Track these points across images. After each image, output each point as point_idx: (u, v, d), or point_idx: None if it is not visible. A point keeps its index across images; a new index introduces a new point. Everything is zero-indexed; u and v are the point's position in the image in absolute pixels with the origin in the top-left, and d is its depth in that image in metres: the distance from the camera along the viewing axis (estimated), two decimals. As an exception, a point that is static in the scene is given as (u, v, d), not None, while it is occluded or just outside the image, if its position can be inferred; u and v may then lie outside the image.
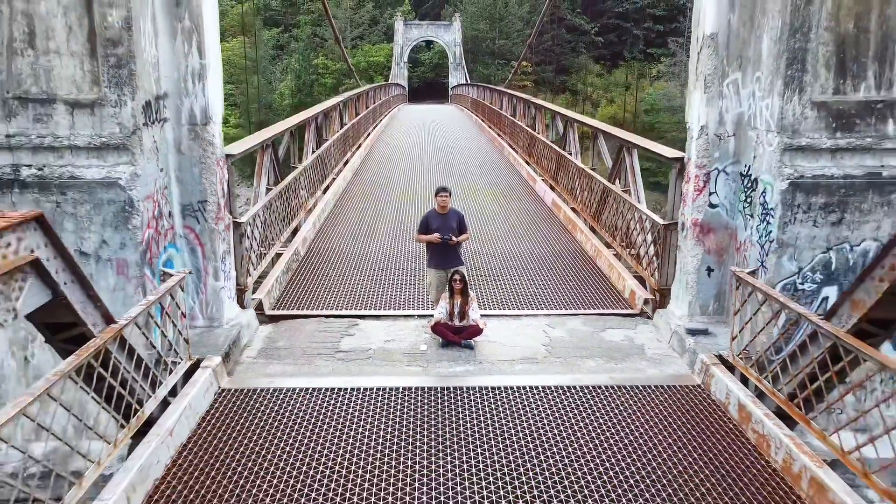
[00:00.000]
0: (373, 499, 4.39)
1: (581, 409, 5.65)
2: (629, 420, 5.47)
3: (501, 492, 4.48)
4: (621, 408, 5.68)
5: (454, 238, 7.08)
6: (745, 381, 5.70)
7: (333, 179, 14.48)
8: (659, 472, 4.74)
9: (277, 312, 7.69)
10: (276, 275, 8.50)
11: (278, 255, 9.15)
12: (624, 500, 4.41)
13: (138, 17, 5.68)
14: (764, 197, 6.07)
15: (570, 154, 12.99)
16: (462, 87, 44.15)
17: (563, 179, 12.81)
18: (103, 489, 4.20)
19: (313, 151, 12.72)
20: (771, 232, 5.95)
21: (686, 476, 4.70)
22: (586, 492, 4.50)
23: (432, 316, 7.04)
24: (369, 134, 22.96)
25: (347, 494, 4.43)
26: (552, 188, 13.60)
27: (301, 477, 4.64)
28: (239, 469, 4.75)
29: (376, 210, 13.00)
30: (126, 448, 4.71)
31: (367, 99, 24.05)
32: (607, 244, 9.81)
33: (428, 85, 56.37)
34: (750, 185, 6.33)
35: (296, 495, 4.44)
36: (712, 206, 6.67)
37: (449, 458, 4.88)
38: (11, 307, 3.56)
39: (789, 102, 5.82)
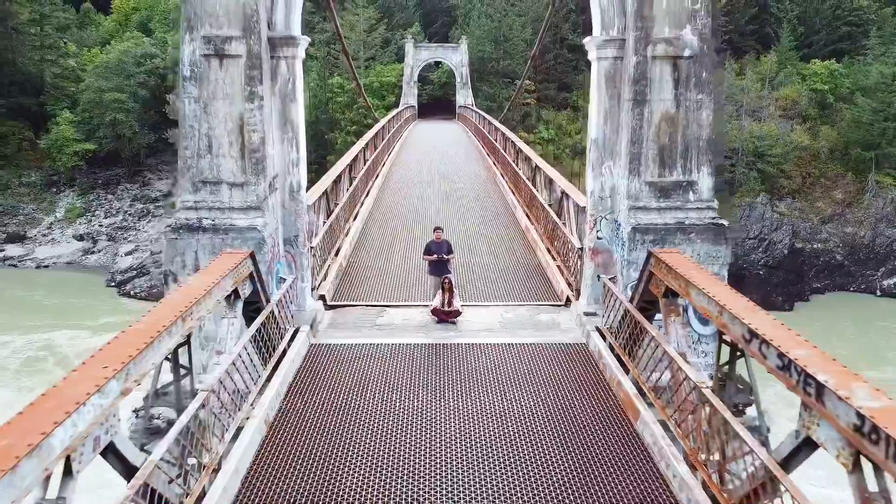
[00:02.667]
0: (397, 398, 8.99)
1: (518, 356, 10.33)
2: (544, 360, 10.16)
3: (471, 392, 9.12)
4: (541, 355, 10.36)
5: (445, 257, 11.84)
6: (605, 339, 10.39)
7: (361, 205, 19.31)
8: (556, 380, 9.41)
9: (335, 303, 12.48)
10: (330, 279, 13.29)
11: (329, 267, 13.93)
12: (538, 388, 9.06)
13: (266, 136, 10.47)
14: (622, 234, 10.76)
15: (537, 190, 17.73)
16: (468, 109, 48.98)
17: (533, 210, 17.57)
18: (266, 387, 8.88)
19: (347, 190, 17.55)
20: (624, 254, 10.64)
21: (568, 381, 9.38)
22: (517, 384, 9.17)
23: (431, 304, 11.79)
24: (384, 163, 27.84)
25: (382, 395, 9.06)
26: (526, 215, 18.36)
27: (356, 385, 9.34)
28: (326, 377, 9.49)
29: (394, 232, 17.79)
30: (268, 372, 9.42)
31: (383, 132, 28.92)
32: (554, 258, 14.53)
33: (437, 101, 61.38)
34: (617, 226, 11.02)
35: (355, 388, 9.16)
36: (599, 238, 11.36)
37: (443, 382, 9.57)
38: (243, 294, 8.35)
39: (633, 181, 10.53)
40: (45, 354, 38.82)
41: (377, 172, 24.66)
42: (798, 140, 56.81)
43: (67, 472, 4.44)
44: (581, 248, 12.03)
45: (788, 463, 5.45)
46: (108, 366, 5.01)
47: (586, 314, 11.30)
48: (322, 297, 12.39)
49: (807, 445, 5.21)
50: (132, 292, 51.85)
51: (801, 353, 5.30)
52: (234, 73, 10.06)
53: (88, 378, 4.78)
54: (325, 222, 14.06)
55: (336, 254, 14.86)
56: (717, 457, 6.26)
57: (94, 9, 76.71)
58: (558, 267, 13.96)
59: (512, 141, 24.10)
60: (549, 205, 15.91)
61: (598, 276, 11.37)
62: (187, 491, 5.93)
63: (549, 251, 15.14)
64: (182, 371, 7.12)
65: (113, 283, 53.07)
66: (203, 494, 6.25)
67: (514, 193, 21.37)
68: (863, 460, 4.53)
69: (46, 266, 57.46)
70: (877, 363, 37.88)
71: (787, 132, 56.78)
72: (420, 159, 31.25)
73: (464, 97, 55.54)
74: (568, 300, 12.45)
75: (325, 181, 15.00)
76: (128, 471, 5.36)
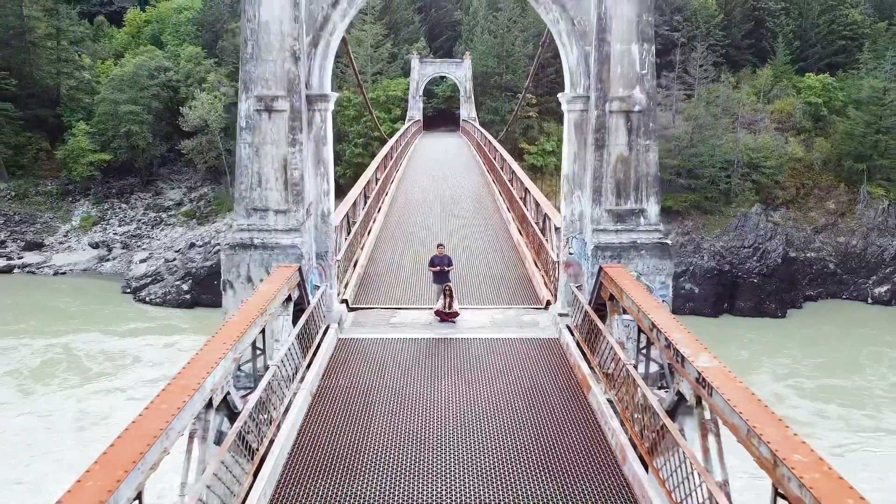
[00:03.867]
0: (407, 379, 11.93)
1: (504, 348, 13.26)
2: (525, 352, 13.09)
3: (465, 376, 12.03)
4: (523, 348, 13.28)
5: (446, 269, 14.81)
6: (573, 334, 13.32)
7: (373, 222, 22.30)
8: (533, 366, 12.35)
9: (355, 306, 15.45)
10: (351, 286, 16.28)
11: (350, 276, 16.91)
12: (519, 373, 11.99)
13: (304, 172, 13.46)
14: (588, 251, 13.71)
15: (527, 208, 20.70)
16: (470, 123, 52.17)
17: (523, 226, 20.54)
18: (308, 369, 11.83)
19: (362, 208, 20.55)
20: (589, 267, 13.58)
21: (542, 367, 12.32)
22: (503, 370, 12.11)
23: (435, 307, 14.74)
24: (393, 180, 30.89)
25: (395, 377, 12.03)
26: (518, 231, 21.31)
27: (375, 369, 12.29)
28: (352, 364, 12.45)
29: (402, 246, 20.77)
30: (309, 358, 12.37)
31: (391, 151, 31.98)
32: (539, 269, 17.48)
33: (441, 113, 64.63)
34: (584, 244, 13.96)
35: (376, 369, 12.12)
36: (570, 253, 14.29)
37: (444, 366, 12.51)
38: (294, 298, 11.35)
39: (596, 209, 13.48)
40: (75, 357, 41.87)
41: (386, 191, 27.70)
42: (792, 152, 59.61)
43: (209, 405, 7.41)
44: (557, 262, 14.98)
45: (673, 413, 8.37)
46: (226, 343, 7.98)
47: (560, 315, 14.24)
48: (345, 301, 15.36)
49: (679, 398, 8.14)
50: (147, 298, 54.92)
51: (678, 337, 8.24)
52: (279, 124, 13.08)
53: (216, 350, 7.75)
54: (346, 239, 17.05)
55: (354, 265, 17.84)
56: (637, 415, 9.17)
57: (108, 22, 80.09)
58: (542, 276, 16.91)
59: (507, 163, 27.12)
60: (536, 222, 18.86)
61: (569, 285, 14.30)
62: (262, 436, 8.86)
63: (535, 263, 18.09)
64: (257, 352, 10.08)
65: (128, 290, 56.12)
66: (272, 441, 9.18)
67: (509, 210, 24.33)
68: (702, 401, 7.46)
69: (63, 273, 60.57)
70: (851, 370, 40.50)
71: (781, 144, 59.60)
72: (425, 179, 34.23)
73: (467, 110, 58.71)
74: (547, 304, 15.39)
75: (346, 205, 18.00)
76: (231, 414, 8.31)
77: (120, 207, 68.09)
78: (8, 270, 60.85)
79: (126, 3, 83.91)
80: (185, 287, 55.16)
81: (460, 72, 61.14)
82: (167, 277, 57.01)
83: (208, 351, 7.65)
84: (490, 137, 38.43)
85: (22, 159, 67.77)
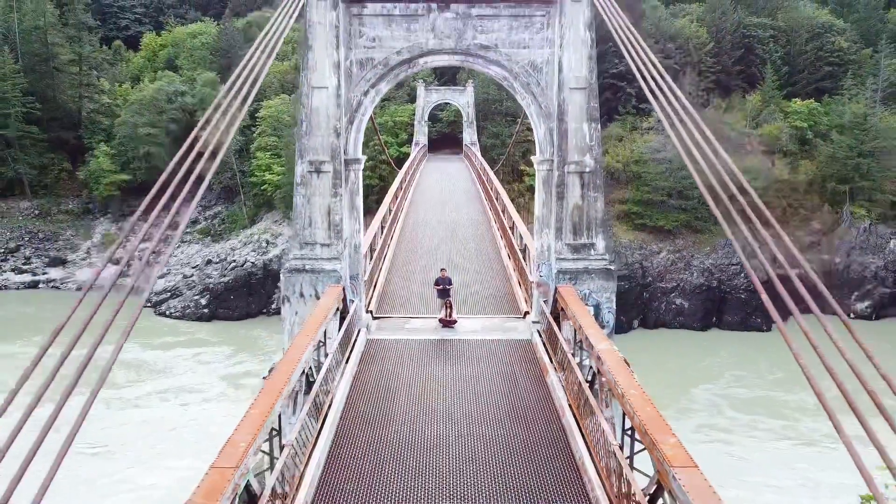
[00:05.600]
0: (418, 369, 17.27)
1: (491, 346, 18.62)
2: (506, 349, 18.44)
3: (461, 365, 17.39)
4: (504, 346, 18.63)
5: (447, 287, 20.21)
6: (541, 337, 18.67)
7: (388, 248, 27.72)
8: (511, 360, 17.70)
9: (378, 315, 20.84)
10: (374, 299, 21.68)
11: (373, 292, 22.30)
12: (501, 364, 17.35)
13: (342, 215, 18.89)
14: (553, 274, 19.07)
15: (514, 236, 26.07)
16: (472, 150, 57.97)
17: (511, 251, 25.92)
18: (349, 361, 17.18)
19: (380, 237, 25.98)
20: (553, 287, 18.93)
21: (518, 360, 17.67)
22: (489, 362, 17.47)
23: (439, 316, 20.11)
24: (403, 208, 36.39)
25: (410, 366, 17.39)
26: (508, 255, 26.68)
27: (395, 361, 17.67)
28: (378, 357, 17.83)
29: (414, 268, 26.15)
30: (348, 353, 17.70)
31: (403, 181, 37.53)
32: (521, 287, 22.85)
33: (445, 136, 70.48)
34: (550, 269, 19.33)
35: (396, 360, 17.49)
36: (541, 276, 19.63)
37: (446, 359, 17.87)
38: (340, 309, 16.76)
39: (558, 242, 18.88)
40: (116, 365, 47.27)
41: (398, 218, 33.21)
42: (779, 174, 64.93)
43: (303, 373, 12.76)
44: (532, 282, 20.35)
45: (592, 383, 13.67)
46: (309, 335, 13.37)
47: (533, 322, 19.59)
48: (370, 311, 20.74)
49: (593, 374, 13.46)
50: (167, 312, 60.42)
51: (592, 332, 13.58)
52: (325, 181, 18.53)
53: (307, 337, 13.14)
54: (369, 263, 22.46)
55: (375, 284, 23.22)
56: (576, 388, 14.46)
57: (125, 46, 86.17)
58: (522, 293, 22.27)
59: (501, 196, 32.59)
60: (521, 249, 24.24)
61: (541, 300, 19.65)
62: (321, 401, 14.14)
63: (518, 283, 23.45)
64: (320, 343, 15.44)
65: (149, 304, 61.52)
66: (329, 406, 14.46)
67: (501, 238, 29.74)
68: (598, 372, 12.76)
69: (86, 288, 65.98)
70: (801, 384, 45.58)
71: (768, 166, 64.97)
72: (431, 207, 39.62)
73: (470, 135, 64.42)
74: (525, 314, 20.75)
75: (369, 237, 23.41)
76: (308, 385, 13.65)
77: (137, 225, 73.47)
78: (34, 285, 66.49)
79: (142, 28, 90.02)
80: (203, 301, 60.58)
81: (463, 98, 66.94)
82: (186, 292, 62.48)
83: (300, 339, 13.05)
84: (488, 168, 44.04)
85: (45, 179, 73.59)
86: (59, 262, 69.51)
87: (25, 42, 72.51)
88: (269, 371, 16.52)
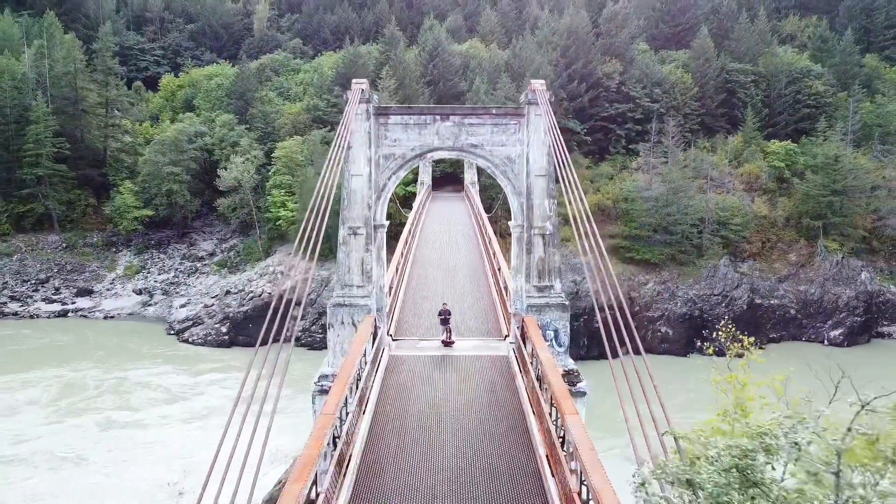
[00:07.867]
0: (426, 377, 25.77)
1: (480, 361, 27.16)
2: (490, 364, 26.98)
3: (458, 374, 25.93)
4: (489, 362, 27.18)
5: (447, 317, 28.82)
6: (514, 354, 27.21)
7: (400, 288, 36.34)
8: (493, 371, 26.28)
9: (397, 338, 29.45)
10: (393, 325, 30.29)
11: (392, 320, 30.92)
12: (486, 374, 25.91)
13: (373, 266, 27.58)
14: (523, 307, 27.64)
15: (501, 275, 34.62)
16: (472, 189, 66.98)
17: (498, 290, 34.49)
18: (377, 372, 25.71)
19: (397, 271, 34.60)
20: (521, 317, 27.50)
21: (499, 371, 26.24)
22: (479, 372, 26.04)
23: (441, 338, 28.68)
24: (411, 248, 45.13)
25: (421, 374, 25.92)
26: (496, 292, 35.24)
27: (410, 370, 26.23)
28: (398, 367, 26.41)
29: (423, 301, 34.73)
30: (378, 365, 26.20)
31: (413, 223, 46.35)
32: (504, 316, 31.42)
33: (448, 176, 79.53)
34: (522, 303, 27.92)
35: (410, 370, 26.05)
36: (516, 308, 28.21)
37: (445, 370, 26.41)
38: (373, 333, 25.41)
39: (527, 284, 27.53)
40: (153, 385, 55.79)
41: (408, 260, 41.94)
42: (758, 210, 73.67)
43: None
44: (511, 313, 28.91)
45: (540, 381, 22.16)
46: (357, 351, 21.99)
47: (511, 343, 28.13)
48: (390, 335, 29.32)
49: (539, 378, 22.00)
50: (189, 339, 68.94)
51: (541, 353, 22.15)
52: (360, 241, 27.21)
53: (359, 344, 21.77)
54: (389, 298, 31.08)
55: (392, 315, 31.83)
56: (531, 385, 22.93)
57: (144, 87, 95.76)
58: (505, 321, 30.86)
59: (492, 242, 41.35)
60: (505, 288, 32.81)
61: (517, 326, 28.20)
62: (364, 396, 22.59)
63: (502, 313, 32.03)
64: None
65: (172, 332, 70.18)
66: (368, 400, 22.90)
67: (491, 276, 38.32)
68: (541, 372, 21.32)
69: (112, 317, 74.67)
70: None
71: (748, 203, 73.72)
72: (434, 249, 48.17)
73: (470, 175, 73.33)
74: (506, 336, 29.31)
75: (389, 276, 32.00)
76: (355, 381, 22.17)
77: (159, 257, 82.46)
78: (63, 314, 75.13)
79: (160, 69, 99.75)
80: (223, 329, 69.11)
81: (464, 140, 76.12)
82: (207, 321, 71.06)
83: (352, 353, 21.64)
84: (484, 215, 53.00)
85: (72, 214, 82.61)
86: (86, 292, 78.09)
87: (56, 86, 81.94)
88: (318, 377, 25.18)
